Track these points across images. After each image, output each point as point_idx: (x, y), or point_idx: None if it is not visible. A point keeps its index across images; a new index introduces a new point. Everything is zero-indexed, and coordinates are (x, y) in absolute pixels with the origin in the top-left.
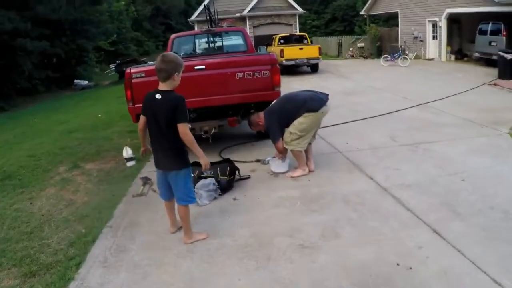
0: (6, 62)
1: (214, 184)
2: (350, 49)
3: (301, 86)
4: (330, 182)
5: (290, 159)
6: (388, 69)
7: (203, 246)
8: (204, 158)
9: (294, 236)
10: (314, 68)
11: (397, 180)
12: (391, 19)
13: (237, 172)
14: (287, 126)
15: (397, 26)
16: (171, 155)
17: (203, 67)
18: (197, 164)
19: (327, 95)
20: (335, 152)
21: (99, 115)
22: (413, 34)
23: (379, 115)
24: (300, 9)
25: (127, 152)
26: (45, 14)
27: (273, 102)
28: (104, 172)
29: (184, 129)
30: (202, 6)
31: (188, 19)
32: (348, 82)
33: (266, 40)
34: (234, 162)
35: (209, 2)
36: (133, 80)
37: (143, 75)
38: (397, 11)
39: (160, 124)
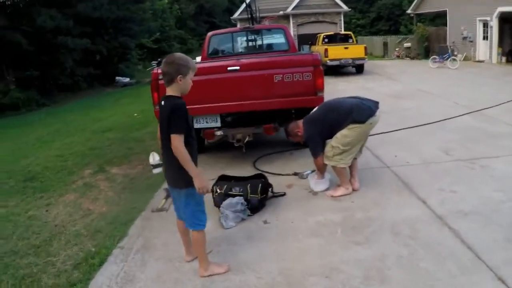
0: (48, 59)
1: (242, 204)
2: (396, 49)
3: (346, 88)
4: (376, 205)
5: (332, 174)
6: (436, 71)
7: (221, 282)
8: (200, 179)
9: (332, 277)
10: (359, 69)
11: (454, 206)
12: (437, 18)
13: (270, 189)
14: (330, 138)
15: (445, 25)
16: (174, 170)
17: (237, 68)
18: (224, 179)
19: (377, 103)
20: (382, 167)
21: (135, 114)
22: (462, 34)
23: (430, 123)
24: (345, 7)
25: (153, 158)
26: (86, 12)
27: (313, 110)
28: (129, 179)
29: (175, 142)
30: (244, 4)
31: (231, 17)
32: (395, 85)
33: (310, 39)
34: (269, 175)
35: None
36: (160, 82)
37: None
38: (446, 10)
39: (164, 134)
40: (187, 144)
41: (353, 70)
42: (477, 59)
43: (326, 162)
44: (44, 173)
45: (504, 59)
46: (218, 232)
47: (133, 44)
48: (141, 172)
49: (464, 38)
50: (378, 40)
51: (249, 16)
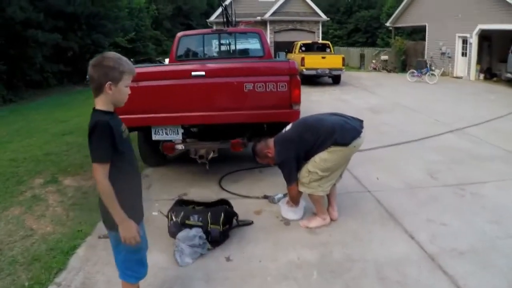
0: (16, 53)
1: (201, 237)
2: (373, 61)
3: (321, 99)
4: (358, 240)
5: (307, 200)
6: (415, 86)
7: None
8: (126, 227)
9: None
10: (336, 80)
11: (446, 243)
12: (414, 33)
13: (235, 218)
14: (306, 160)
15: (423, 40)
16: (101, 204)
17: (203, 73)
18: (182, 204)
19: (361, 122)
20: (362, 191)
21: None
22: (441, 49)
23: (411, 141)
24: (324, 16)
25: None
26: (59, 6)
27: (287, 127)
28: (81, 193)
29: (95, 173)
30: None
31: (207, 20)
32: (373, 98)
33: (287, 47)
34: (235, 198)
35: (229, 3)
36: None
37: None
38: (425, 25)
39: None
40: (119, 174)
41: (330, 80)
42: (455, 75)
43: (301, 189)
44: None
45: (482, 76)
46: (172, 270)
47: (106, 42)
48: (95, 184)
49: (443, 53)
50: (355, 51)
51: (225, 19)
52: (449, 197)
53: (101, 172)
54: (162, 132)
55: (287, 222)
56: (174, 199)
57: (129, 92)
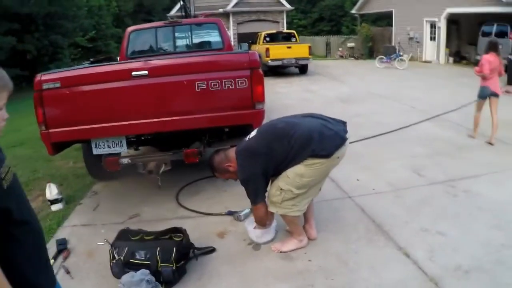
0: None
1: (149, 281)
2: (340, 49)
3: (288, 90)
4: (343, 264)
5: (278, 218)
6: (384, 72)
7: None
8: None
9: None
10: (303, 69)
11: (447, 259)
12: (379, 20)
13: (191, 251)
14: (276, 175)
15: (389, 26)
16: None
17: (145, 72)
18: (125, 236)
19: (345, 124)
20: (343, 197)
21: None
22: (409, 34)
23: (389, 132)
24: (288, 6)
25: (50, 191)
26: (13, 7)
27: (251, 134)
28: None
29: None
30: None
31: (167, 15)
32: (342, 87)
33: (251, 38)
34: (196, 217)
35: None
36: (44, 93)
37: (58, 84)
38: (392, 10)
39: None
40: (8, 242)
41: (296, 70)
42: (423, 60)
43: (272, 210)
44: None
45: (451, 59)
46: None
47: (65, 43)
48: (40, 207)
49: (411, 38)
50: (320, 40)
51: (183, 13)
52: (440, 198)
53: None
54: (104, 145)
55: (256, 246)
56: (124, 222)
57: (5, 116)
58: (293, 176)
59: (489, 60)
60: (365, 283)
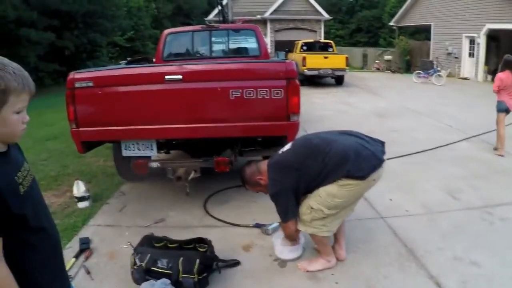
0: (9, 52)
1: None
2: (377, 61)
3: (323, 101)
4: None
5: (307, 236)
6: (421, 87)
7: None
8: None
9: None
10: (339, 81)
11: None
12: (417, 33)
13: (215, 263)
14: (307, 192)
15: (427, 39)
16: None
17: (179, 77)
18: (149, 243)
19: (383, 144)
20: (375, 217)
21: None
22: (447, 49)
23: (425, 151)
24: (326, 15)
25: (78, 188)
26: (54, 4)
27: (285, 147)
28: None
29: None
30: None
31: (205, 19)
32: (379, 100)
33: (288, 46)
34: (222, 227)
35: (226, 1)
36: (76, 91)
37: (90, 84)
38: (430, 24)
39: None
40: (23, 247)
41: (332, 81)
42: (461, 76)
43: (301, 228)
44: None
45: (490, 77)
46: None
47: (104, 42)
48: (67, 203)
49: (449, 54)
50: (357, 51)
51: (220, 18)
52: (475, 224)
53: None
54: (134, 147)
55: (282, 263)
56: (149, 226)
57: (25, 119)
58: (325, 195)
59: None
60: None
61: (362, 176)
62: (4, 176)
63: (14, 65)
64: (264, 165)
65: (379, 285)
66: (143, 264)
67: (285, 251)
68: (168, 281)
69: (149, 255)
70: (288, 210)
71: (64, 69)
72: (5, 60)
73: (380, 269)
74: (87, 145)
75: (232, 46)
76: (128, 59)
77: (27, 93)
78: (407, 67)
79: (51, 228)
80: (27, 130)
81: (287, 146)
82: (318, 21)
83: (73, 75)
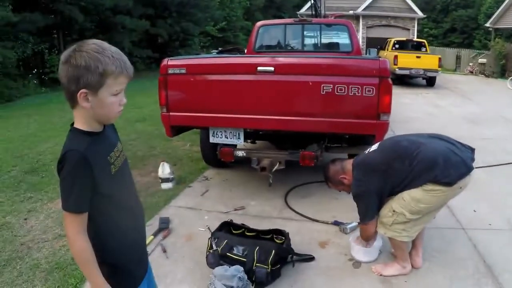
0: (105, 38)
1: (241, 278)
2: (470, 64)
3: (412, 102)
4: None
5: (384, 239)
6: None
7: None
8: None
9: None
10: (430, 82)
11: None
12: None
13: (290, 256)
14: (391, 195)
15: None
16: None
17: (271, 69)
18: (227, 229)
19: (473, 151)
20: (456, 227)
21: None
22: None
23: None
24: (420, 13)
25: (163, 170)
26: None
27: (372, 147)
28: None
29: (66, 227)
30: None
31: (297, 12)
32: (471, 105)
33: (379, 43)
34: (301, 220)
35: None
36: (169, 77)
37: (183, 71)
38: None
39: None
40: (107, 222)
41: (423, 82)
42: None
43: (380, 231)
44: (49, 166)
45: None
46: None
47: (196, 31)
48: (151, 183)
49: None
50: (450, 52)
51: (313, 12)
52: None
53: (73, 226)
54: (221, 134)
55: (356, 263)
56: (229, 212)
57: (121, 102)
58: (409, 199)
59: None
60: None
61: (449, 183)
62: (98, 156)
63: (113, 49)
64: (348, 164)
65: None
66: (219, 249)
67: (361, 252)
68: (241, 269)
69: (226, 241)
70: (368, 212)
71: (156, 56)
72: (105, 44)
73: (455, 281)
74: (176, 130)
75: (324, 40)
76: (220, 48)
77: (124, 76)
78: (502, 72)
79: (136, 206)
80: None
81: (374, 147)
82: (412, 19)
83: (167, 61)
